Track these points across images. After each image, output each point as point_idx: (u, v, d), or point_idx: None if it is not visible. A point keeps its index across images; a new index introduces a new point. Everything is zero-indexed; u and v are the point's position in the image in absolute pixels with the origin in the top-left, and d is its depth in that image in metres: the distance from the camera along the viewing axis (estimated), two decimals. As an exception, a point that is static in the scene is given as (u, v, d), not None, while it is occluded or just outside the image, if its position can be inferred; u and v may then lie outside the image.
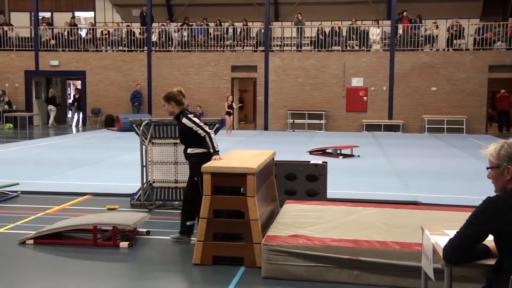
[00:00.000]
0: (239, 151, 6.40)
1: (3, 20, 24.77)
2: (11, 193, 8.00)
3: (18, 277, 4.74)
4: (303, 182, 7.00)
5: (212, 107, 21.46)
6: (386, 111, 20.80)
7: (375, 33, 21.28)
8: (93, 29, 23.14)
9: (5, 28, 23.25)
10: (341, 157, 12.67)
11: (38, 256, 5.29)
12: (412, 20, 21.05)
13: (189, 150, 5.66)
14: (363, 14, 22.74)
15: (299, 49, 21.78)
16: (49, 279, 4.72)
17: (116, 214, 6.25)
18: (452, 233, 2.74)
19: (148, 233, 5.97)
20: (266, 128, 21.33)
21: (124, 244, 5.48)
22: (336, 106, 21.08)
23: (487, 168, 2.74)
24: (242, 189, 5.00)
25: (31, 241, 5.57)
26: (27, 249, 5.47)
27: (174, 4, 24.95)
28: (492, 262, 2.66)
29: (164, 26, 22.67)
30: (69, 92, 26.56)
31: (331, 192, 7.27)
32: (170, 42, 22.39)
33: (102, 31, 22.92)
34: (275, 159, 6.44)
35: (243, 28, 22.15)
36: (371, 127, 20.66)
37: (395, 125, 20.58)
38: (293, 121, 21.11)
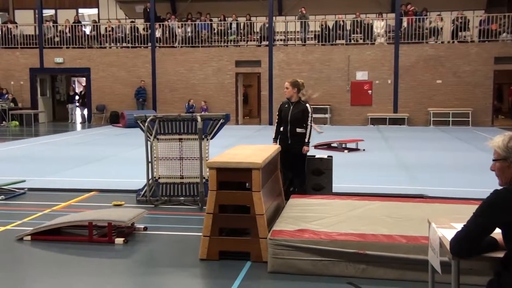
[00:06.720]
0: (244, 146, 6.39)
1: (8, 18, 24.83)
2: (17, 190, 8.03)
3: (15, 274, 4.75)
4: (308, 176, 7.00)
5: (217, 103, 21.47)
6: (391, 105, 20.72)
7: (379, 26, 21.19)
8: (97, 25, 23.14)
9: (10, 26, 23.30)
10: (346, 151, 12.65)
11: (35, 252, 5.31)
12: (417, 13, 20.92)
13: None
14: (367, 7, 22.65)
15: (303, 43, 21.71)
16: (47, 275, 4.73)
17: (113, 210, 6.28)
18: (459, 226, 2.72)
19: (145, 229, 5.97)
20: (271, 123, 21.28)
21: (119, 240, 5.51)
22: (341, 100, 21.03)
23: (494, 160, 2.70)
24: (247, 184, 4.99)
25: (29, 237, 5.63)
26: (24, 245, 5.51)
27: (177, 0, 24.91)
28: (500, 255, 2.64)
29: (168, 22, 22.65)
30: (75, 90, 26.59)
31: (336, 186, 7.26)
32: (174, 38, 22.38)
33: (106, 27, 22.93)
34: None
35: (247, 23, 22.10)
36: (376, 121, 20.59)
37: (400, 119, 20.51)
38: (298, 115, 21.02)
